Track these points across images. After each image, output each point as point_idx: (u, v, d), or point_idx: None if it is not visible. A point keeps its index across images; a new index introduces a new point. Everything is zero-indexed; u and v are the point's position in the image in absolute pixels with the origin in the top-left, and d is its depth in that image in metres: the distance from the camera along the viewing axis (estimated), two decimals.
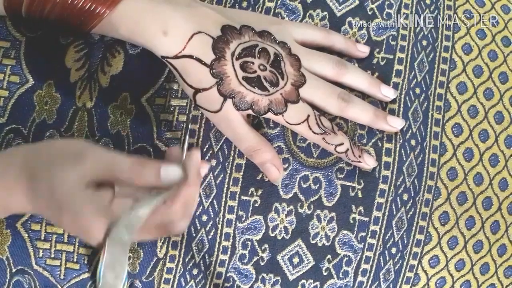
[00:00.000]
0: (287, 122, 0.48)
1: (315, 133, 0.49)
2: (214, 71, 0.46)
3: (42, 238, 0.49)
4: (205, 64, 0.46)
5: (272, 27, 0.49)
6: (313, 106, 0.49)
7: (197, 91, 0.46)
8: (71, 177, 0.40)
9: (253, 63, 0.47)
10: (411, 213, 0.52)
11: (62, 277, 0.49)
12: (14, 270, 0.49)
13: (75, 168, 0.40)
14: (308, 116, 0.48)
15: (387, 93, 0.51)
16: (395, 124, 0.51)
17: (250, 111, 0.47)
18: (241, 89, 0.46)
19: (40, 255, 0.49)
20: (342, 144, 0.49)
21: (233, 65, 0.46)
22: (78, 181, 0.40)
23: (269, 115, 0.48)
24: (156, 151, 0.50)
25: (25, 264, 0.49)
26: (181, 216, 0.43)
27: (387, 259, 0.52)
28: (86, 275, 0.49)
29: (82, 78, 0.50)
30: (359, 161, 0.50)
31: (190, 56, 0.46)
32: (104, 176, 0.41)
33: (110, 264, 0.41)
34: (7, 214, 0.45)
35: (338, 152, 0.50)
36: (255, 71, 0.47)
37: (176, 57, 0.46)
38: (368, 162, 0.51)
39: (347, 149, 0.50)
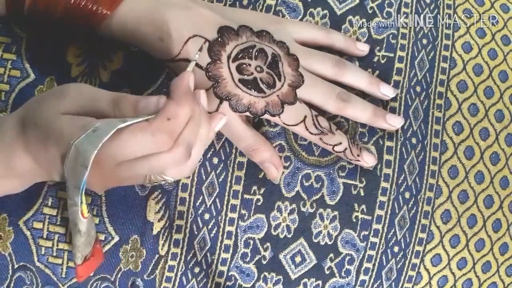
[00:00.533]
0: (283, 123, 0.48)
1: (312, 133, 0.49)
2: (209, 74, 0.46)
3: (45, 236, 0.48)
4: (200, 67, 0.46)
5: (271, 26, 0.49)
6: (312, 106, 0.49)
7: (195, 88, 0.46)
8: (52, 107, 0.40)
9: (249, 64, 0.47)
10: (413, 211, 0.52)
11: (63, 275, 0.49)
12: (16, 266, 0.48)
13: (56, 101, 0.40)
14: (305, 116, 0.48)
15: (386, 92, 0.52)
16: (394, 122, 0.51)
17: (247, 113, 0.47)
18: (237, 92, 0.46)
19: (42, 253, 0.48)
20: (340, 143, 0.49)
21: (229, 68, 0.46)
22: (58, 109, 0.40)
23: (266, 116, 0.48)
24: None
25: (27, 261, 0.48)
26: (167, 142, 0.39)
27: (390, 257, 0.52)
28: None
29: (83, 73, 0.50)
30: (358, 160, 0.50)
31: (186, 60, 0.46)
32: (86, 109, 0.40)
33: (73, 165, 0.38)
34: (18, 182, 0.43)
35: (336, 152, 0.50)
36: (252, 73, 0.47)
37: (173, 60, 0.46)
38: (367, 161, 0.51)
39: (345, 149, 0.50)
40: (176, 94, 0.39)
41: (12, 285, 0.48)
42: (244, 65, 0.47)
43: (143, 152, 0.39)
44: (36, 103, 0.41)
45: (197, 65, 0.46)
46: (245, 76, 0.47)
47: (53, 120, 0.39)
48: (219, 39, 0.46)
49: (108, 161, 0.38)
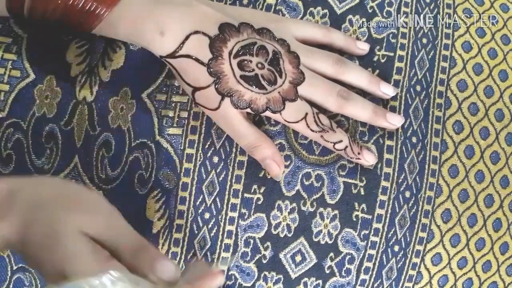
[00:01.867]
0: (285, 120, 0.48)
1: (313, 131, 0.48)
2: (211, 70, 0.46)
3: None
4: (202, 63, 0.46)
5: (271, 24, 0.49)
6: (312, 104, 0.49)
7: (195, 89, 0.46)
8: (73, 223, 0.39)
9: (251, 61, 0.47)
10: (413, 210, 0.52)
11: None
12: (15, 267, 0.48)
13: (83, 216, 0.39)
14: (306, 114, 0.48)
15: (386, 90, 0.52)
16: (394, 121, 0.51)
17: (248, 110, 0.47)
18: (238, 88, 0.46)
19: None
20: (340, 141, 0.49)
21: (230, 64, 0.46)
22: (80, 227, 0.39)
23: (267, 113, 0.47)
24: (158, 148, 0.49)
25: (25, 263, 0.48)
26: None
27: (390, 257, 0.52)
28: None
29: (83, 72, 0.50)
30: (359, 158, 0.50)
31: (188, 56, 0.46)
32: (104, 234, 0.40)
33: None
34: None
35: (337, 150, 0.50)
36: (253, 70, 0.47)
37: (174, 57, 0.46)
38: (367, 159, 0.51)
39: (346, 146, 0.50)
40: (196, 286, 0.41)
41: (11, 286, 0.48)
42: (246, 62, 0.47)
43: None
44: (57, 199, 0.40)
45: (198, 61, 0.46)
46: (247, 72, 0.47)
47: (73, 238, 0.38)
48: (221, 36, 0.46)
49: None
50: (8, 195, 0.40)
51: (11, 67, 0.49)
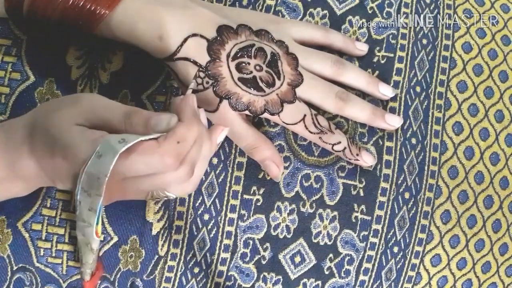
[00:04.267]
0: (283, 122, 0.48)
1: (311, 132, 0.49)
2: (209, 72, 0.46)
3: (43, 238, 0.48)
4: (200, 66, 0.46)
5: (270, 25, 0.49)
6: (311, 105, 0.49)
7: (193, 91, 0.46)
8: (64, 117, 0.40)
9: (249, 63, 0.47)
10: (412, 211, 0.52)
11: (64, 272, 0.49)
12: (15, 268, 0.48)
13: (69, 110, 0.40)
14: (305, 115, 0.48)
15: (385, 91, 0.51)
16: (393, 122, 0.51)
17: (247, 112, 0.47)
18: (237, 90, 0.46)
19: (41, 254, 0.49)
20: (339, 142, 0.49)
21: (228, 66, 0.46)
22: (70, 119, 0.40)
23: (266, 115, 0.48)
24: None
25: (26, 262, 0.48)
26: (174, 164, 0.39)
27: (389, 258, 0.52)
28: None
29: (83, 75, 0.50)
30: (357, 159, 0.50)
31: (186, 59, 0.46)
32: (97, 121, 0.40)
33: (87, 188, 0.39)
34: (22, 186, 0.44)
35: (336, 151, 0.50)
36: (251, 72, 0.47)
37: (172, 59, 0.46)
38: (366, 160, 0.51)
39: (345, 148, 0.50)
40: (185, 117, 0.40)
41: (11, 286, 0.48)
42: (244, 64, 0.47)
43: (150, 172, 0.40)
44: (47, 110, 0.42)
45: (196, 63, 0.46)
46: (245, 74, 0.47)
47: (65, 131, 0.40)
48: (218, 38, 0.46)
49: (114, 177, 0.39)
50: (29, 130, 0.42)
51: (11, 69, 0.49)
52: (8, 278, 0.48)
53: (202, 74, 0.46)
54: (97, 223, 0.40)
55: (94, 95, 0.43)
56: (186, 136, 0.39)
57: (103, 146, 0.38)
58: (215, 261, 0.50)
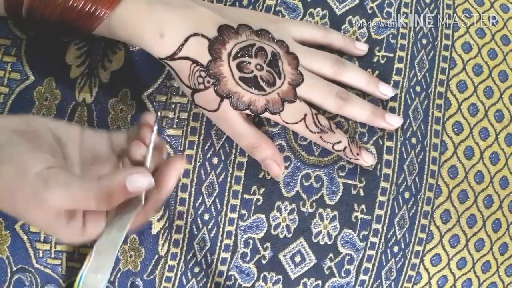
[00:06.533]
0: (284, 121, 0.48)
1: (312, 131, 0.49)
2: (210, 72, 0.46)
3: (42, 240, 0.48)
4: (201, 65, 0.46)
5: (270, 25, 0.49)
6: (311, 105, 0.49)
7: (194, 91, 0.46)
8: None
9: (250, 62, 0.47)
10: (412, 211, 0.52)
11: (64, 273, 0.49)
12: (14, 268, 0.48)
13: (42, 206, 0.37)
14: (305, 115, 0.48)
15: (385, 91, 0.52)
16: (393, 122, 0.51)
17: (247, 111, 0.47)
18: (238, 89, 0.46)
19: (40, 255, 0.48)
20: (339, 142, 0.49)
21: (229, 66, 0.46)
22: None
23: (266, 114, 0.48)
24: None
25: (25, 263, 0.48)
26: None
27: (389, 257, 0.52)
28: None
29: (82, 74, 0.50)
30: (358, 159, 0.50)
31: (187, 58, 0.46)
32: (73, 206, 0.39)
33: (93, 270, 0.41)
34: None
35: (336, 150, 0.50)
36: (252, 71, 0.47)
37: (173, 59, 0.46)
38: (366, 160, 0.51)
39: (345, 147, 0.50)
40: (163, 190, 0.42)
41: (11, 287, 0.48)
42: (244, 63, 0.47)
43: None
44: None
45: (197, 63, 0.46)
46: (246, 74, 0.47)
47: (49, 224, 0.38)
48: (219, 38, 0.46)
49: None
50: None
51: (10, 69, 0.49)
52: (8, 278, 0.48)
53: (203, 73, 0.46)
54: None
55: (59, 176, 0.38)
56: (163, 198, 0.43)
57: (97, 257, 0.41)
58: (215, 260, 0.50)
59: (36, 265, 0.48)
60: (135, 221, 0.41)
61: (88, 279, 0.41)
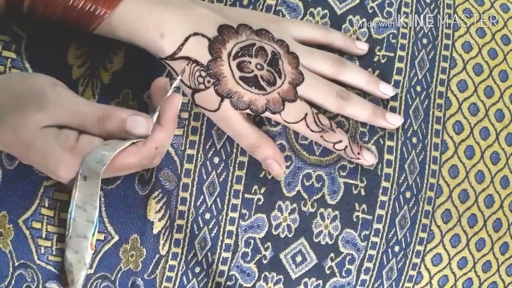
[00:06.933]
0: (284, 120, 0.48)
1: (313, 131, 0.49)
2: (210, 71, 0.46)
3: (44, 236, 0.48)
4: (201, 65, 0.46)
5: (270, 25, 0.49)
6: (312, 104, 0.49)
7: (195, 91, 0.47)
8: (34, 121, 0.41)
9: (250, 62, 0.47)
10: (414, 211, 0.52)
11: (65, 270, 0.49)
12: (17, 263, 0.48)
13: (38, 113, 0.41)
14: (306, 114, 0.48)
15: (385, 90, 0.52)
16: (393, 121, 0.51)
17: (248, 111, 0.47)
18: (238, 89, 0.46)
19: (42, 252, 0.48)
20: (340, 141, 0.49)
21: (229, 65, 0.46)
22: (41, 124, 0.41)
23: (267, 114, 0.48)
24: None
25: (27, 259, 0.48)
26: (152, 159, 0.43)
27: (390, 257, 0.52)
28: (89, 271, 0.49)
29: (84, 75, 0.50)
30: (358, 158, 0.50)
31: (187, 58, 0.46)
32: (68, 123, 0.42)
33: (82, 204, 0.42)
34: None
35: (337, 150, 0.50)
36: (252, 71, 0.47)
37: (173, 58, 0.46)
38: (367, 159, 0.51)
39: (346, 146, 0.50)
40: (165, 121, 0.44)
41: (13, 282, 0.48)
42: (245, 63, 0.47)
43: (129, 171, 0.44)
44: (13, 104, 0.42)
45: (197, 62, 0.46)
46: (246, 73, 0.47)
47: (35, 136, 0.41)
48: (220, 37, 0.46)
49: None
50: None
51: (10, 65, 0.49)
52: (10, 273, 0.48)
53: (203, 73, 0.46)
54: (93, 235, 0.43)
55: (60, 95, 0.43)
56: (164, 142, 0.44)
57: (85, 168, 0.41)
58: (216, 260, 0.50)
59: (38, 262, 0.48)
60: (126, 155, 0.42)
61: (78, 213, 0.42)
